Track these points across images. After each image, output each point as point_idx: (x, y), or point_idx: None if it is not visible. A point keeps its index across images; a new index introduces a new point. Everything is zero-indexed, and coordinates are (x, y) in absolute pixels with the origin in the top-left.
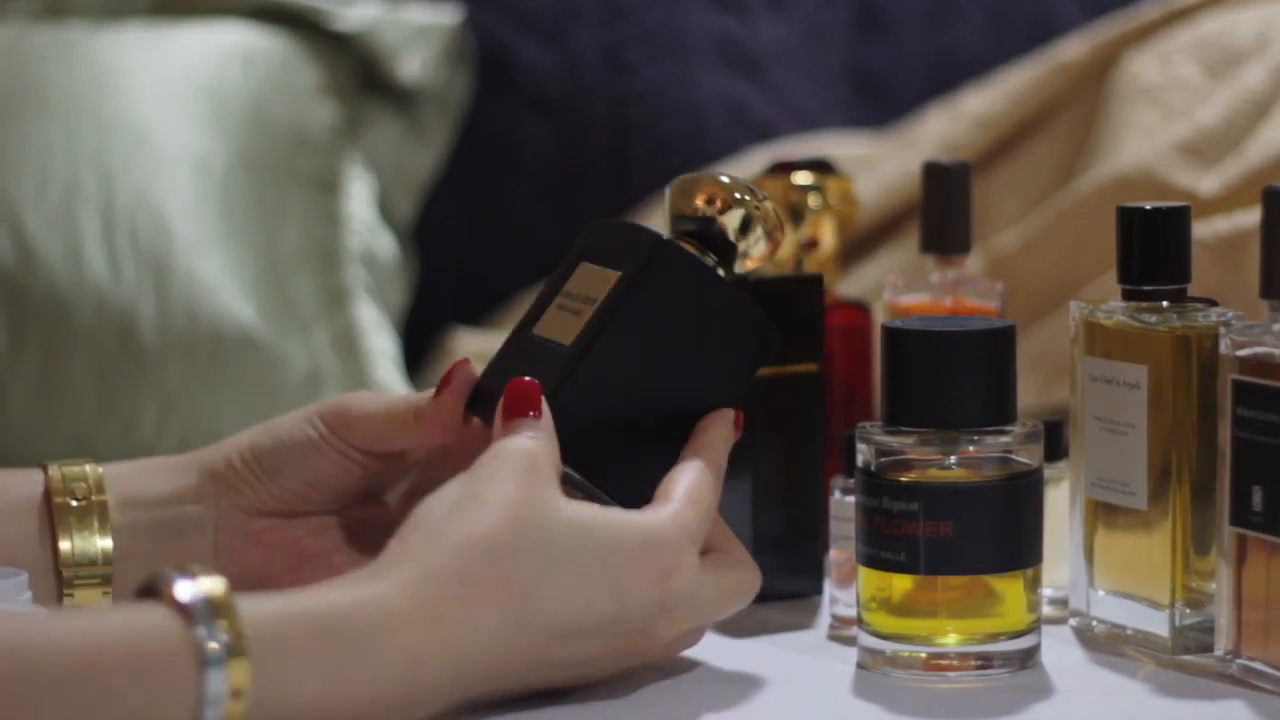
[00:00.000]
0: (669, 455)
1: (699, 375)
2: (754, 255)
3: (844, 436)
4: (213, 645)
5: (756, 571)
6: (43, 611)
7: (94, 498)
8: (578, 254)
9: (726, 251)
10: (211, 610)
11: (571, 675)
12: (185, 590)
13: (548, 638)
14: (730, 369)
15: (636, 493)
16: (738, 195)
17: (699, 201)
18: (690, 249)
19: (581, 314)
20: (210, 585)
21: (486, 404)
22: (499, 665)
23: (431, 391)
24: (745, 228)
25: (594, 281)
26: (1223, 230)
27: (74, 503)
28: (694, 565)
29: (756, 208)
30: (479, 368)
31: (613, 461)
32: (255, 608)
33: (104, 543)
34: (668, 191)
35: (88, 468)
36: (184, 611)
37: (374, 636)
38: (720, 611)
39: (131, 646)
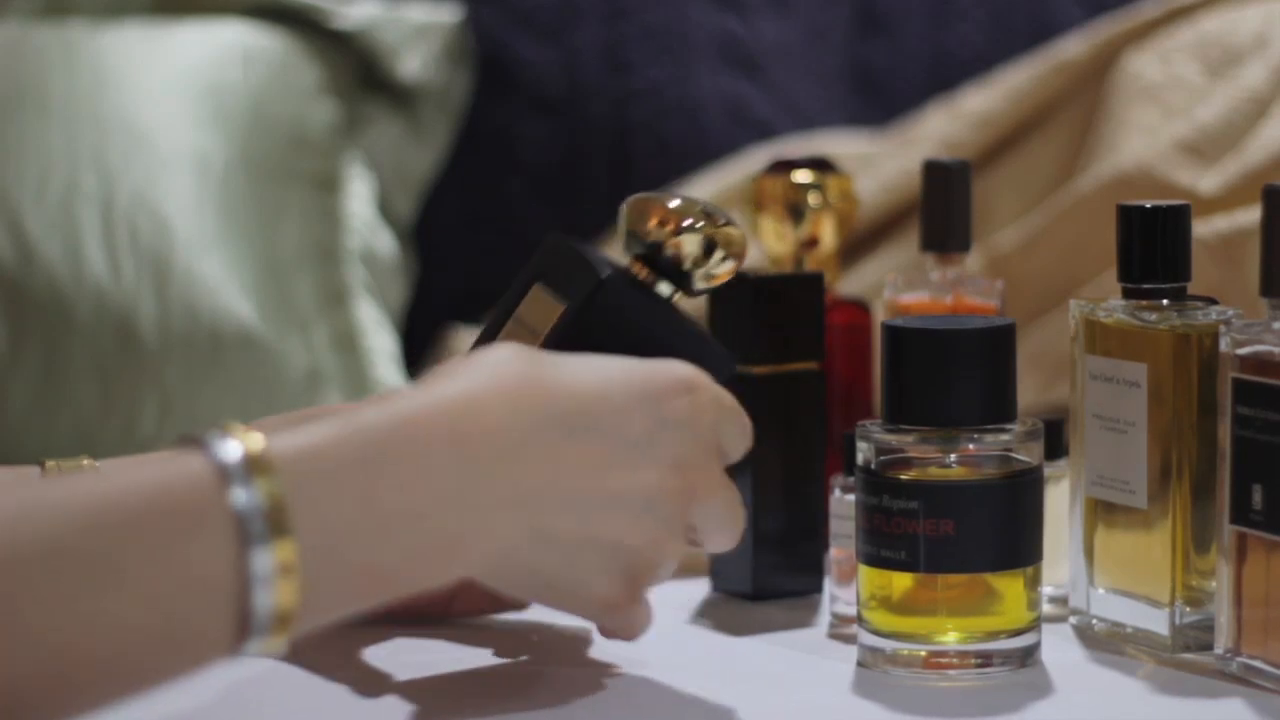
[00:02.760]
0: None
1: None
2: (717, 275)
3: (844, 435)
4: (253, 517)
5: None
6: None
7: None
8: (531, 273)
9: (681, 278)
10: (248, 469)
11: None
12: (222, 450)
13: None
14: None
15: None
16: (692, 221)
17: (652, 224)
18: (641, 273)
19: (529, 344)
20: (248, 443)
21: None
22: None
23: None
24: (707, 251)
25: (542, 310)
26: (1223, 229)
27: None
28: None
29: (714, 232)
30: None
31: None
32: (293, 451)
33: None
34: (623, 209)
35: (85, 463)
36: (221, 472)
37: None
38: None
39: (166, 496)
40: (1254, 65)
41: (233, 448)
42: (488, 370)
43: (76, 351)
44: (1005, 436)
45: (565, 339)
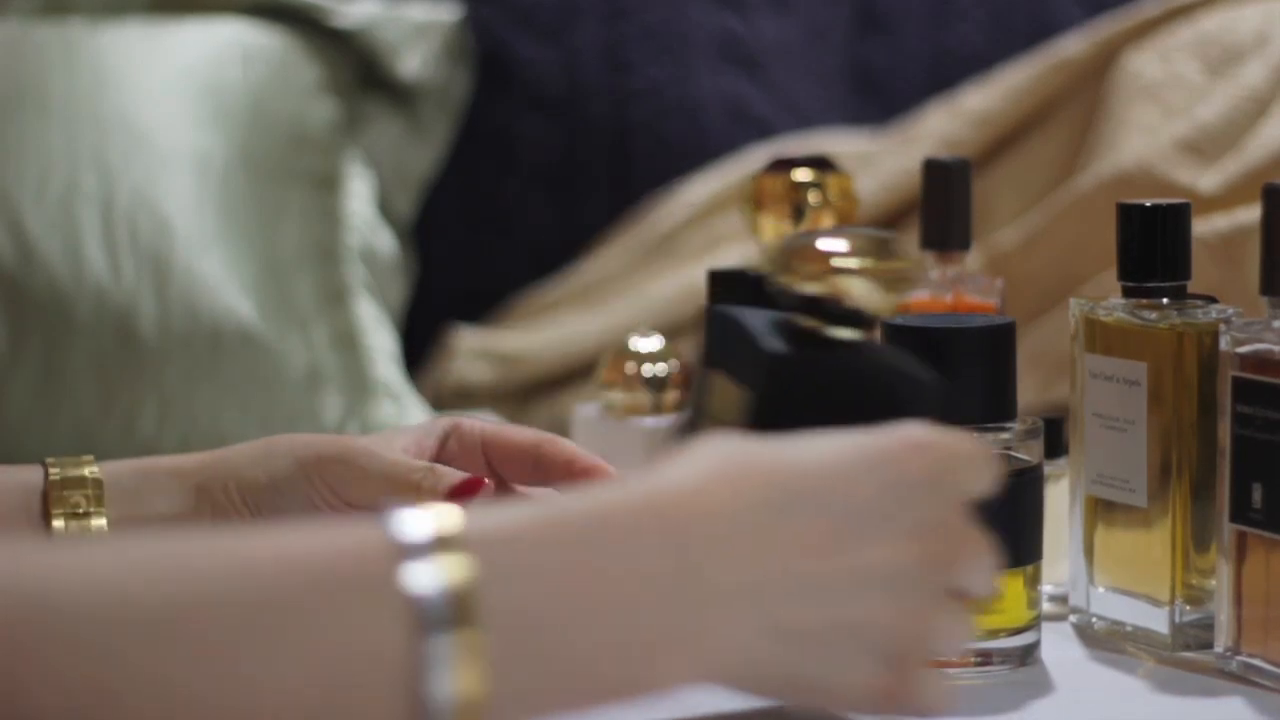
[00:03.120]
0: None
1: None
2: (897, 305)
3: None
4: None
5: None
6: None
7: (91, 519)
8: (707, 362)
9: (859, 320)
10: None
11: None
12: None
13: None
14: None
15: None
16: (856, 262)
17: (815, 271)
18: (815, 327)
19: None
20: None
21: None
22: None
23: (429, 468)
24: (882, 287)
25: (729, 400)
26: (1223, 228)
27: (70, 523)
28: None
29: (883, 265)
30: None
31: None
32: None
33: None
34: (773, 260)
35: (87, 472)
36: (402, 548)
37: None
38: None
39: (342, 561)
40: (1254, 64)
41: (422, 522)
42: (696, 457)
43: (76, 350)
44: (1005, 435)
45: (761, 424)
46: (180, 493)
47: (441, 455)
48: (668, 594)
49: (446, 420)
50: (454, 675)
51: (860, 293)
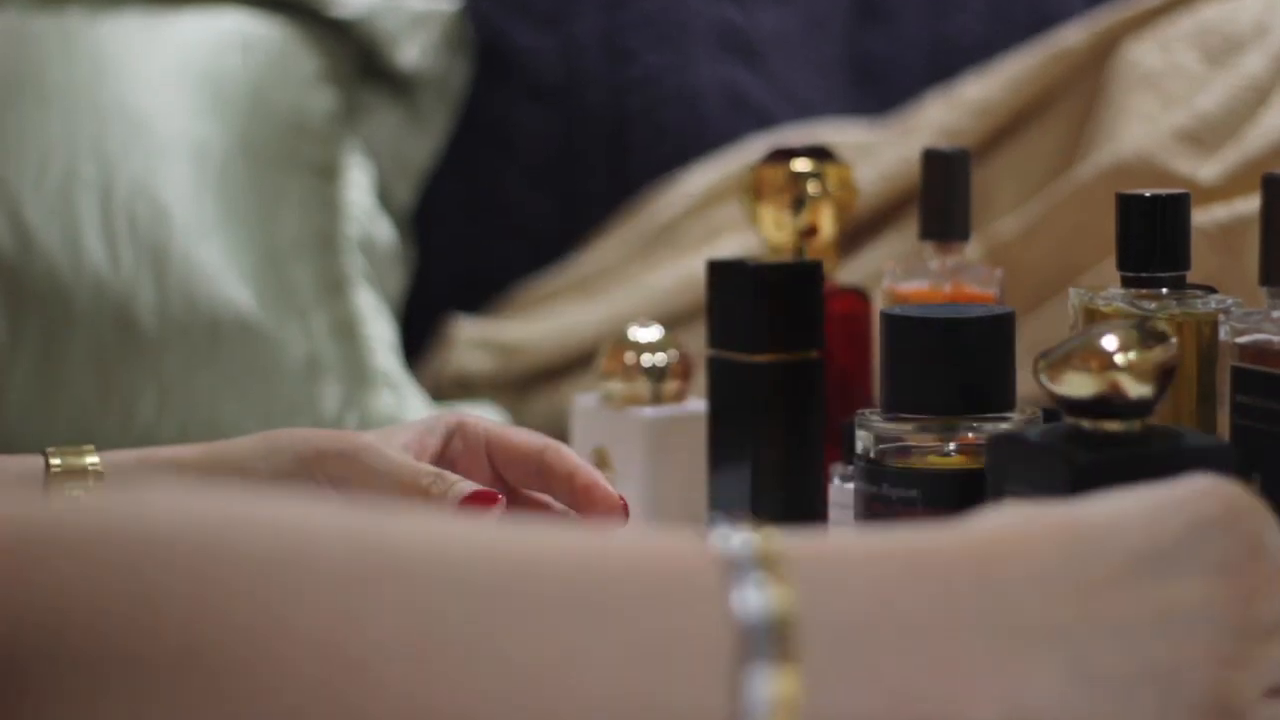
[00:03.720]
0: None
1: None
2: (1171, 380)
3: (843, 424)
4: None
5: None
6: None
7: None
8: (995, 484)
9: (1140, 408)
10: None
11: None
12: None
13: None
14: None
15: None
16: (1124, 356)
17: (1089, 375)
18: (1103, 428)
19: None
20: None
21: None
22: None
23: (437, 474)
24: (1157, 376)
25: None
26: (1222, 218)
27: None
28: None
29: (1151, 354)
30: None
31: None
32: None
33: None
34: (1043, 377)
35: (88, 463)
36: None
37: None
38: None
39: (665, 559)
40: (1254, 54)
41: (743, 539)
42: (998, 515)
43: (75, 339)
44: (1004, 425)
45: None
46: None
47: (445, 454)
48: (983, 629)
49: (451, 417)
50: (772, 685)
51: (1131, 383)
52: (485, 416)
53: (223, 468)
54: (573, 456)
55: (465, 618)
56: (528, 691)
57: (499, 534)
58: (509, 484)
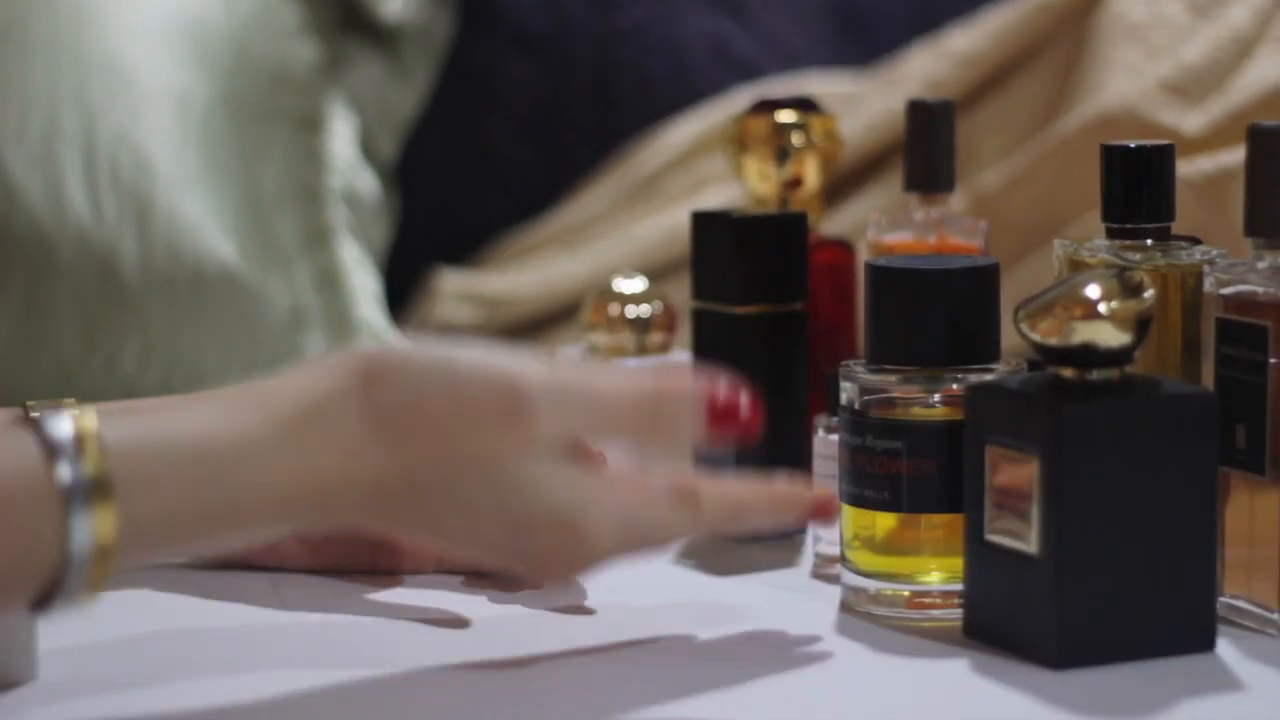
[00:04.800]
0: (1172, 573)
1: (1167, 483)
2: (1151, 324)
3: (827, 375)
4: (76, 482)
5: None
6: None
7: None
8: (976, 434)
9: (1122, 356)
10: (78, 446)
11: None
12: (54, 426)
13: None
14: (1192, 456)
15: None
16: (1105, 305)
17: (1067, 324)
18: (1084, 377)
19: (1027, 513)
20: (77, 420)
21: None
22: (363, 492)
23: None
24: (1136, 325)
25: (1015, 471)
26: (1207, 169)
27: None
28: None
29: (1129, 304)
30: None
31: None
32: (123, 439)
33: None
34: (1021, 327)
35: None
36: (50, 447)
37: (236, 464)
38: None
39: None
40: (1238, 5)
41: (61, 425)
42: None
43: (58, 291)
44: (989, 377)
45: (1061, 491)
46: None
47: None
48: (257, 526)
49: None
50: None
51: (1111, 334)
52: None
53: None
54: None
55: None
56: None
57: None
58: None
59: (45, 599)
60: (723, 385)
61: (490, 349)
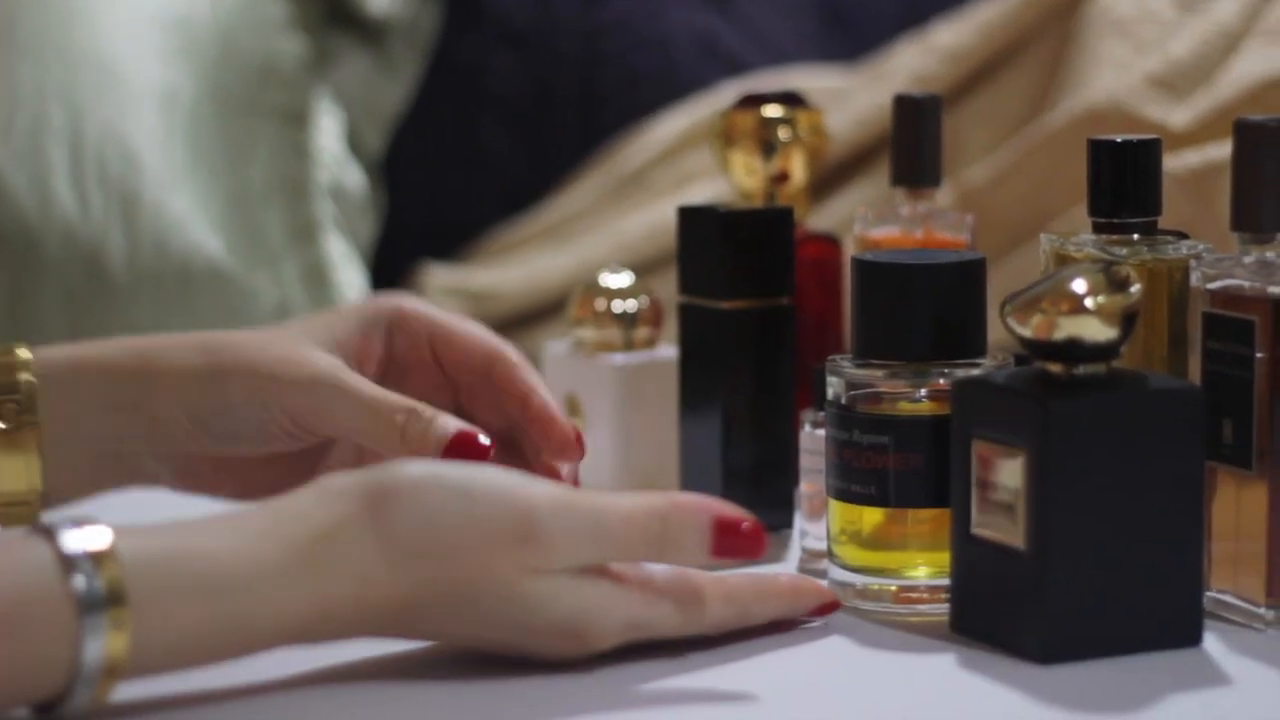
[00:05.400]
0: (1157, 565)
1: (1154, 477)
2: (1137, 321)
3: (814, 370)
4: (90, 594)
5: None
6: None
7: (24, 421)
8: (963, 428)
9: (1108, 350)
10: (95, 560)
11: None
12: (70, 539)
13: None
14: (1179, 450)
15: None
16: (1091, 299)
17: (1053, 319)
18: (1071, 372)
19: (1014, 508)
20: (94, 535)
21: None
22: (375, 611)
23: (410, 409)
24: (1123, 320)
25: (1002, 466)
26: (1194, 163)
27: (1, 425)
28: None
29: (1115, 298)
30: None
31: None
32: (139, 556)
33: (32, 478)
34: (1008, 322)
35: (19, 355)
36: (65, 561)
37: (249, 591)
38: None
39: (9, 590)
40: (1224, 0)
41: (78, 539)
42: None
43: (45, 286)
44: (975, 371)
45: (1049, 486)
46: (126, 412)
47: (391, 355)
48: (266, 646)
49: (388, 306)
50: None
51: (1098, 328)
52: (423, 303)
53: (158, 379)
54: (523, 373)
55: None
56: None
57: None
58: (458, 388)
59: (49, 706)
60: (728, 508)
61: (501, 471)
